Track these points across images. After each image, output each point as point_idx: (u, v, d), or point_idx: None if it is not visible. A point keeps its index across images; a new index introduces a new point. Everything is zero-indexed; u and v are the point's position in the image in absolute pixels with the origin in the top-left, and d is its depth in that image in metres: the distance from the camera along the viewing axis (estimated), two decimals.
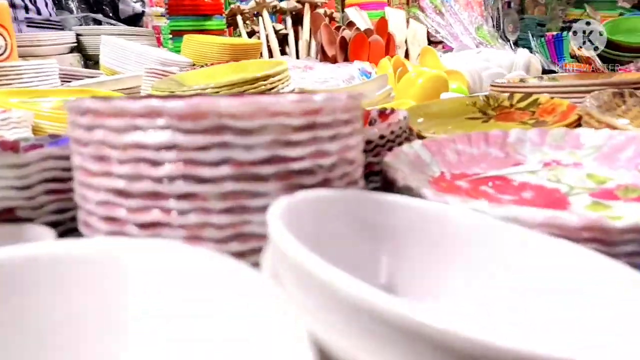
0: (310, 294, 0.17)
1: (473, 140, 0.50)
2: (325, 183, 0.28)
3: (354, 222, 0.27)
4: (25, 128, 0.67)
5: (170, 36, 1.58)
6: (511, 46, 2.14)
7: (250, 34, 1.63)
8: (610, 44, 2.25)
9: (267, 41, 1.56)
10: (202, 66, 1.26)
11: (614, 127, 0.52)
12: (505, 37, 2.19)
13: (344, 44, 1.50)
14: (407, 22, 1.78)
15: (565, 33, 2.24)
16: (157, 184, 0.26)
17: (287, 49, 1.60)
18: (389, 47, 1.56)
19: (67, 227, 0.35)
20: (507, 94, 0.68)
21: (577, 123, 0.57)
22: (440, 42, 2.01)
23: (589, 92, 0.65)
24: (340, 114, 0.29)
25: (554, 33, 2.24)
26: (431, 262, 0.28)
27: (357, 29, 1.53)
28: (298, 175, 0.27)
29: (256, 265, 0.27)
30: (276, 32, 1.59)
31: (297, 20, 1.64)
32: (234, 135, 0.26)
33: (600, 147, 0.48)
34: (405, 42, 1.73)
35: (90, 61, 1.39)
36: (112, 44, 1.18)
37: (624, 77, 0.72)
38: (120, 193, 0.27)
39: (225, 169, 0.26)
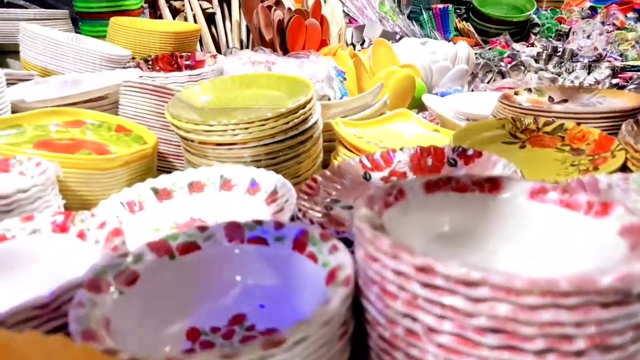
0: None
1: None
2: None
3: None
4: (53, 187, 0.55)
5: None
6: (407, 19, 2.26)
7: (174, 12, 1.48)
8: (480, 16, 2.50)
9: (195, 22, 1.43)
10: (146, 60, 1.13)
11: None
12: (401, 10, 2.29)
13: (280, 27, 1.45)
14: None
15: (450, 7, 2.43)
16: (568, 357, 0.26)
17: (214, 31, 1.49)
18: (322, 30, 1.54)
19: None
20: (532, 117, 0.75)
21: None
22: (347, 14, 2.05)
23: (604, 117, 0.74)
24: None
25: (440, 6, 2.41)
26: None
27: (290, 10, 1.48)
28: None
29: None
30: (202, 10, 1.46)
31: None
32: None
33: None
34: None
35: None
36: (39, 36, 0.98)
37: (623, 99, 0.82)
38: None
39: (630, 335, 0.27)
